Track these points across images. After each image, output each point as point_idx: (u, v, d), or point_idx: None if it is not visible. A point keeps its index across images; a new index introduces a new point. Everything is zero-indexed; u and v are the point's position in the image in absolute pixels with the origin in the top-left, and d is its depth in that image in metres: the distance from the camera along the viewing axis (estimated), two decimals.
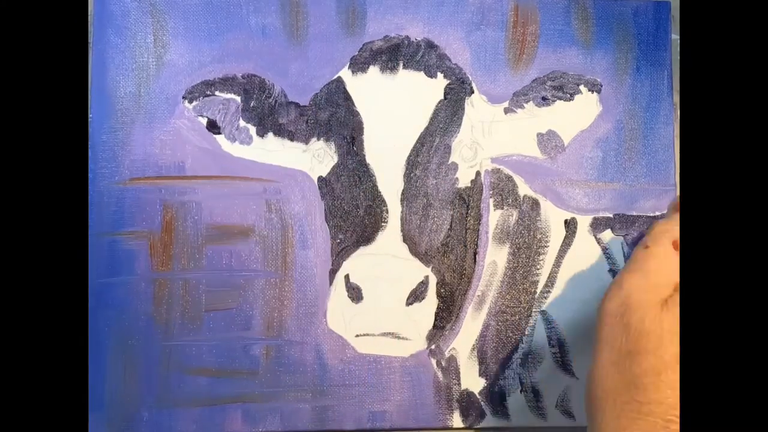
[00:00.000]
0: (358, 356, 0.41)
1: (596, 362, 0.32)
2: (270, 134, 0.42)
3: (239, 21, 0.43)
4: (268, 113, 0.42)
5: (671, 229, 0.33)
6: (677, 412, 0.28)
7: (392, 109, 0.42)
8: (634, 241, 0.43)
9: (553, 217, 0.43)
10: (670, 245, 0.33)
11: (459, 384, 0.41)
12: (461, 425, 0.41)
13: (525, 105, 0.43)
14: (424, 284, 0.40)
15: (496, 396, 0.42)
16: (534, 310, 0.42)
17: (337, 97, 0.42)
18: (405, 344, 0.41)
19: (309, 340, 0.41)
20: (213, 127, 0.42)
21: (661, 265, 0.32)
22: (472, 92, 0.43)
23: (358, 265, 0.41)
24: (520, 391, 0.42)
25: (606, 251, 0.43)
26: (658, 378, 0.28)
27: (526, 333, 0.42)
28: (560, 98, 0.43)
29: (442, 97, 0.42)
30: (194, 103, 0.42)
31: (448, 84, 0.43)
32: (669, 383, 0.28)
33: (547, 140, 0.43)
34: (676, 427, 0.27)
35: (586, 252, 0.43)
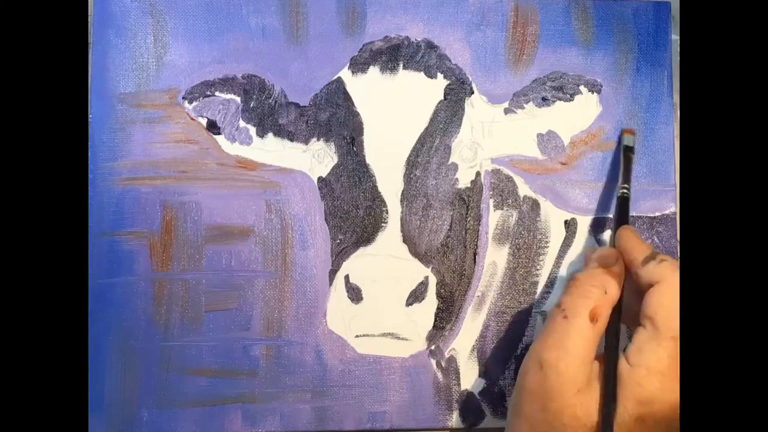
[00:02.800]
0: (357, 357, 0.41)
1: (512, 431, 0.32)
2: (270, 135, 0.42)
3: (239, 21, 0.43)
4: (268, 114, 0.42)
5: (590, 294, 0.32)
6: None
7: (392, 109, 0.42)
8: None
9: (553, 218, 0.43)
10: (587, 316, 0.32)
11: (459, 384, 0.41)
12: (461, 426, 0.41)
13: (525, 105, 0.43)
14: (423, 285, 0.40)
15: (495, 396, 0.41)
16: (534, 310, 0.42)
17: (337, 97, 0.42)
18: (405, 345, 0.41)
19: (309, 340, 0.41)
20: (213, 127, 0.42)
21: (577, 342, 0.31)
22: (472, 93, 0.43)
23: (357, 265, 0.41)
24: None
25: None
26: None
27: (526, 333, 0.42)
28: (560, 99, 0.43)
29: (442, 98, 0.42)
30: (194, 103, 0.42)
31: (448, 84, 0.43)
32: None
33: (547, 141, 0.43)
34: None
35: (586, 252, 0.43)
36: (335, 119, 0.42)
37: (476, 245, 0.42)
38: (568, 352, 0.31)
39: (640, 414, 0.29)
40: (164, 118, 0.42)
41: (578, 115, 0.44)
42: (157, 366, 0.40)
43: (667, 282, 0.32)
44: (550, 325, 0.32)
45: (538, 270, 0.43)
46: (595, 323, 0.32)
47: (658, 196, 0.44)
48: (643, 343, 0.31)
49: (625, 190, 0.40)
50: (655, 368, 0.30)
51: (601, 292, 0.32)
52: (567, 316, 0.32)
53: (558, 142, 0.43)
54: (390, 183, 0.41)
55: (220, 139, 0.42)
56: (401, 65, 0.43)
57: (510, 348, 0.42)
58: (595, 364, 0.32)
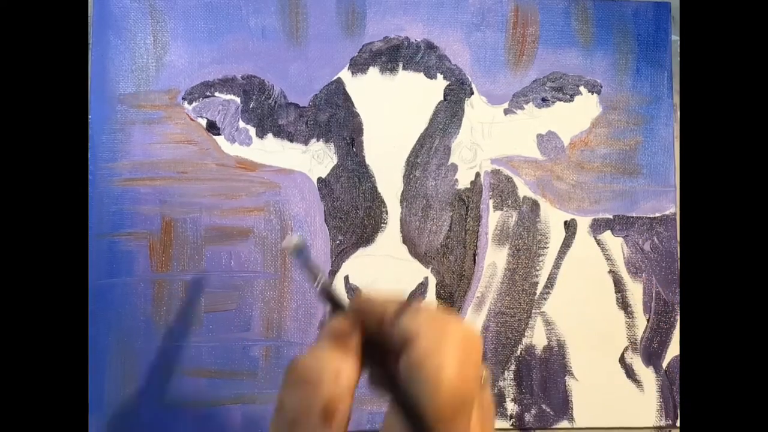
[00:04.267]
0: None
1: None
2: (270, 135, 0.42)
3: (239, 22, 0.43)
4: (267, 114, 0.42)
5: (320, 387, 0.24)
6: None
7: (392, 110, 0.42)
8: (633, 242, 0.43)
9: (552, 219, 0.43)
10: (319, 419, 0.23)
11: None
12: None
13: (525, 106, 0.43)
14: (423, 285, 0.40)
15: (495, 397, 0.41)
16: (533, 311, 0.42)
17: (336, 98, 0.42)
18: None
19: (308, 341, 0.41)
20: (213, 128, 0.42)
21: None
22: (472, 93, 0.43)
23: (357, 266, 0.40)
24: (520, 393, 0.42)
25: (605, 252, 0.43)
26: None
27: (526, 334, 0.42)
28: (560, 99, 0.43)
29: (441, 98, 0.42)
30: (194, 104, 0.42)
31: (448, 85, 0.43)
32: None
33: (547, 141, 0.43)
34: None
35: (585, 253, 0.43)
36: (335, 120, 0.42)
37: (476, 246, 0.42)
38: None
39: None
40: (164, 119, 0.42)
41: (578, 116, 0.44)
42: (156, 366, 0.40)
43: (421, 340, 0.23)
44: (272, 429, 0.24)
45: (537, 270, 0.43)
46: (331, 423, 0.24)
47: (658, 196, 0.44)
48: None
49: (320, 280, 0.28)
50: None
51: (333, 379, 0.24)
52: (295, 422, 0.24)
53: (558, 143, 0.43)
54: (390, 184, 0.41)
55: (220, 139, 0.42)
56: (401, 66, 0.43)
57: (510, 348, 0.42)
58: None
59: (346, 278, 0.40)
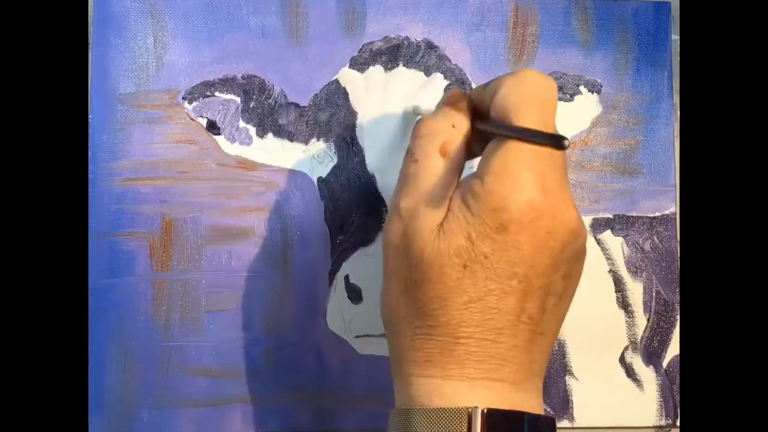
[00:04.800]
0: (357, 357, 0.41)
1: (386, 292, 0.30)
2: (270, 135, 0.42)
3: (239, 22, 0.43)
4: (267, 114, 0.42)
5: (438, 131, 0.30)
6: (468, 329, 0.27)
7: (392, 109, 0.42)
8: (633, 242, 0.43)
9: None
10: (438, 153, 0.29)
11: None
12: None
13: None
14: None
15: None
16: None
17: (336, 97, 0.42)
18: None
19: (309, 341, 0.41)
20: (213, 127, 0.42)
21: (430, 181, 0.29)
22: None
23: (358, 265, 0.41)
24: None
25: (605, 252, 0.43)
26: (445, 303, 0.27)
27: None
28: (560, 99, 0.43)
29: None
30: (194, 103, 0.42)
31: (448, 85, 0.43)
32: (455, 306, 0.27)
33: None
34: (466, 340, 0.27)
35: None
36: (335, 120, 0.42)
37: None
38: (423, 192, 0.28)
39: (500, 223, 0.26)
40: (164, 119, 0.42)
41: (578, 116, 0.44)
42: (157, 366, 0.40)
43: (504, 85, 0.28)
44: (402, 172, 0.30)
45: None
46: (447, 159, 0.29)
47: (658, 196, 0.44)
48: (490, 149, 0.28)
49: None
50: (501, 170, 0.27)
51: (448, 126, 0.30)
52: (417, 159, 0.29)
53: None
54: (390, 183, 0.41)
55: (220, 139, 0.42)
56: (401, 65, 0.43)
57: None
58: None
59: (347, 278, 0.40)
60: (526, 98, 0.28)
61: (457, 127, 0.30)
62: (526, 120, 0.27)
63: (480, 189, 0.27)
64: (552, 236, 0.27)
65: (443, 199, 0.28)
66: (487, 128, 0.29)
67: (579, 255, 0.29)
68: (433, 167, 0.29)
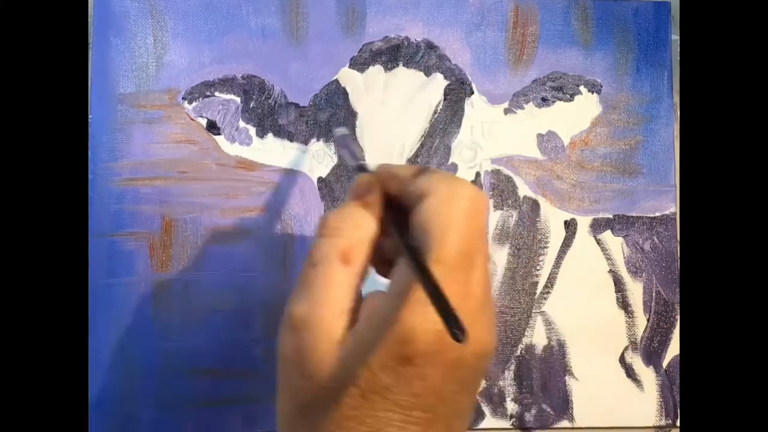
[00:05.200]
0: None
1: (281, 409, 0.28)
2: (270, 135, 0.42)
3: (239, 22, 0.43)
4: (267, 114, 0.42)
5: (339, 233, 0.27)
6: None
7: (392, 109, 0.42)
8: (633, 242, 0.43)
9: (552, 218, 0.43)
10: (338, 259, 0.26)
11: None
12: None
13: (525, 106, 0.43)
14: None
15: (495, 397, 0.41)
16: (534, 310, 0.42)
17: (336, 97, 0.42)
18: None
19: None
20: (213, 127, 0.42)
21: (328, 291, 0.26)
22: (472, 93, 0.43)
23: None
24: (520, 393, 0.42)
25: (606, 252, 0.43)
26: (348, 424, 0.24)
27: (526, 333, 0.42)
28: (560, 99, 0.43)
29: (441, 98, 0.42)
30: (194, 103, 0.42)
31: (448, 85, 0.43)
32: (360, 421, 0.24)
33: (547, 141, 0.43)
34: None
35: (585, 253, 0.43)
36: (335, 120, 0.42)
37: None
38: (319, 303, 0.26)
39: (405, 355, 0.23)
40: (164, 119, 0.42)
41: (578, 116, 0.44)
42: (157, 366, 0.40)
43: (432, 196, 0.25)
44: (300, 278, 0.27)
45: (538, 270, 0.43)
46: (349, 266, 0.26)
47: (658, 196, 0.44)
48: (403, 268, 0.25)
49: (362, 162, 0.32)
50: (412, 295, 0.23)
51: (352, 228, 0.27)
52: (315, 263, 0.26)
53: (558, 143, 0.43)
54: None
55: (220, 139, 0.42)
56: (401, 65, 0.43)
57: (510, 348, 0.42)
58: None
59: None
60: (454, 221, 0.24)
61: (363, 228, 0.27)
62: (449, 248, 0.24)
63: (387, 313, 0.24)
64: (461, 364, 0.24)
65: (342, 313, 0.26)
66: (399, 245, 0.26)
67: (485, 371, 0.26)
68: (332, 275, 0.26)
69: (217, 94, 0.42)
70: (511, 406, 0.42)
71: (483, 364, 0.25)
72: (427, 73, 0.43)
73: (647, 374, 0.43)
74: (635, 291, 0.43)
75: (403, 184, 0.27)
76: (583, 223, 0.43)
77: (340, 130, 0.38)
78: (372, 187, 0.28)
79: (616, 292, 0.43)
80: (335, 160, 0.42)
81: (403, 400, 0.23)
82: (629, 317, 0.43)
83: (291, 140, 0.42)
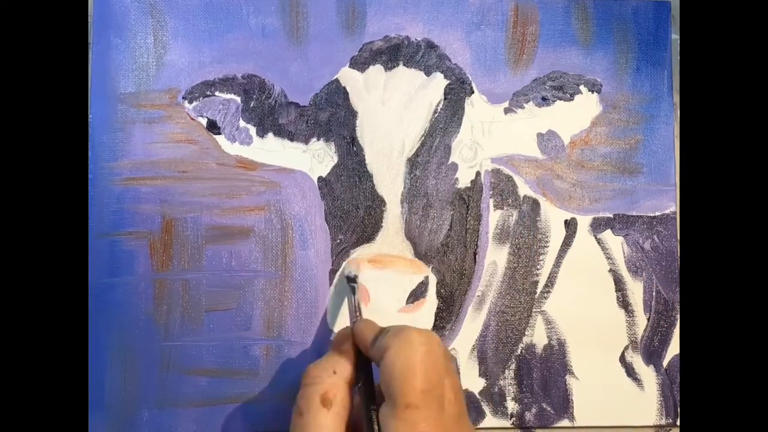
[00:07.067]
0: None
1: None
2: (270, 134, 0.42)
3: (239, 21, 0.43)
4: (268, 113, 0.42)
5: (319, 380, 0.31)
6: None
7: (392, 109, 0.42)
8: (634, 241, 0.43)
9: (553, 218, 0.43)
10: (319, 405, 0.30)
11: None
12: None
13: (525, 105, 0.43)
14: (424, 284, 0.40)
15: (496, 396, 0.42)
16: (534, 310, 0.42)
17: (336, 97, 0.42)
18: None
19: (309, 340, 0.41)
20: (213, 127, 0.42)
21: None
22: (472, 92, 0.43)
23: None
24: (520, 392, 0.42)
25: (606, 251, 0.43)
26: None
27: (526, 333, 0.42)
28: (560, 98, 0.43)
29: (442, 98, 0.42)
30: (194, 103, 0.42)
31: (448, 84, 0.43)
32: None
33: (548, 140, 0.43)
34: None
35: (586, 252, 0.43)
36: (335, 119, 0.42)
37: (476, 245, 0.42)
38: None
39: None
40: (164, 118, 0.42)
41: (578, 115, 0.44)
42: (157, 366, 0.40)
43: (391, 349, 0.29)
44: (290, 427, 0.31)
45: (538, 270, 0.43)
46: (330, 408, 0.30)
47: (658, 196, 0.44)
48: (382, 419, 0.28)
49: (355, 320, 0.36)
50: None
51: (329, 373, 0.31)
52: (302, 412, 0.30)
53: (558, 142, 0.43)
54: (390, 183, 0.41)
55: (220, 139, 0.42)
56: (401, 65, 0.43)
57: (510, 348, 0.42)
58: None
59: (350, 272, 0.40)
60: (411, 366, 0.28)
61: (338, 372, 0.31)
62: (414, 391, 0.28)
63: None
64: None
65: None
66: (364, 402, 0.30)
67: None
68: (316, 420, 0.29)
69: (217, 93, 0.42)
70: (511, 406, 0.42)
71: None
72: (428, 73, 0.43)
73: (647, 373, 0.43)
74: (635, 290, 0.43)
75: (369, 345, 0.31)
76: (584, 222, 0.43)
77: (353, 284, 0.39)
78: (346, 336, 0.32)
79: (616, 291, 0.43)
80: (335, 159, 0.42)
81: None
82: (629, 316, 0.43)
83: (291, 140, 0.42)
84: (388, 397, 0.28)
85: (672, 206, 0.44)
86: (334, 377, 0.31)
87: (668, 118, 0.44)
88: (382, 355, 0.29)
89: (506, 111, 0.43)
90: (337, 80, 0.42)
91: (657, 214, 0.44)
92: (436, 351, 0.29)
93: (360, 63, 0.43)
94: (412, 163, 0.41)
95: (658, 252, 0.43)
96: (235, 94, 0.42)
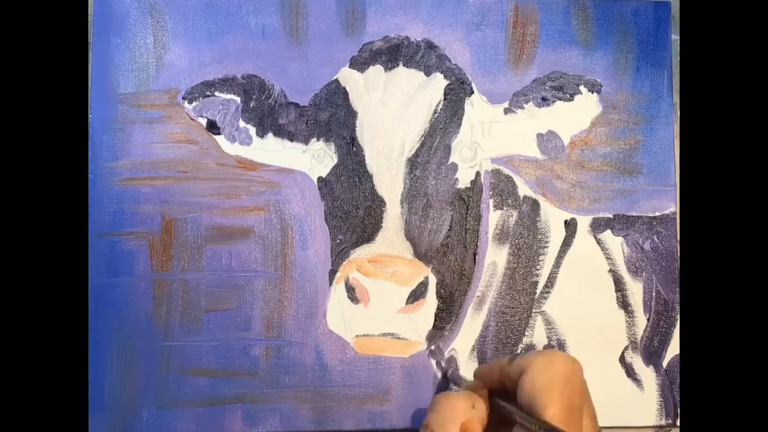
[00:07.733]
0: (357, 357, 0.41)
1: None
2: (270, 135, 0.42)
3: (239, 21, 0.43)
4: (267, 114, 0.42)
5: (459, 408, 0.31)
6: None
7: (392, 109, 0.42)
8: (633, 242, 0.43)
9: (552, 218, 0.43)
10: (457, 429, 0.30)
11: (459, 384, 0.41)
12: None
13: (525, 105, 0.43)
14: (423, 285, 0.40)
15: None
16: (534, 310, 0.42)
17: (336, 97, 0.42)
18: (405, 345, 0.41)
19: (309, 340, 0.41)
20: (213, 127, 0.42)
21: None
22: (472, 93, 0.43)
23: None
24: None
25: (606, 251, 0.43)
26: None
27: (526, 333, 0.42)
28: (560, 98, 0.43)
29: (442, 98, 0.42)
30: (194, 103, 0.42)
31: (448, 84, 0.43)
32: None
33: (547, 141, 0.43)
34: None
35: (585, 252, 0.43)
36: (335, 119, 0.42)
37: (476, 245, 0.42)
38: None
39: None
40: (164, 118, 0.42)
41: (578, 115, 0.44)
42: (157, 366, 0.40)
43: (535, 364, 0.30)
44: None
45: (538, 270, 0.43)
46: None
47: (658, 197, 0.44)
48: None
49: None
50: None
51: (469, 405, 0.31)
52: (433, 430, 0.30)
53: (558, 142, 0.43)
54: (390, 183, 0.41)
55: (220, 139, 0.42)
56: (401, 65, 0.43)
57: (510, 348, 0.42)
58: None
59: (347, 278, 0.40)
60: (553, 383, 0.29)
61: (477, 408, 0.31)
62: (553, 406, 0.28)
63: None
64: None
65: None
66: (511, 411, 0.30)
67: None
68: None
69: (217, 93, 0.42)
70: None
71: None
72: (427, 73, 0.43)
73: (647, 374, 0.43)
74: (635, 290, 0.43)
75: (502, 369, 0.32)
76: (583, 222, 0.43)
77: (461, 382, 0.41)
78: (484, 385, 0.34)
79: (616, 291, 0.43)
80: (335, 159, 0.42)
81: None
82: (629, 317, 0.43)
83: (291, 140, 0.42)
84: (531, 407, 0.29)
85: (672, 207, 0.44)
86: (473, 411, 0.31)
87: (668, 119, 0.44)
88: (520, 374, 0.30)
89: (506, 111, 0.43)
90: (336, 80, 0.42)
91: (657, 214, 0.44)
92: (577, 373, 0.30)
93: (360, 63, 0.43)
94: (412, 163, 0.41)
95: (657, 252, 0.43)
96: (234, 94, 0.42)
